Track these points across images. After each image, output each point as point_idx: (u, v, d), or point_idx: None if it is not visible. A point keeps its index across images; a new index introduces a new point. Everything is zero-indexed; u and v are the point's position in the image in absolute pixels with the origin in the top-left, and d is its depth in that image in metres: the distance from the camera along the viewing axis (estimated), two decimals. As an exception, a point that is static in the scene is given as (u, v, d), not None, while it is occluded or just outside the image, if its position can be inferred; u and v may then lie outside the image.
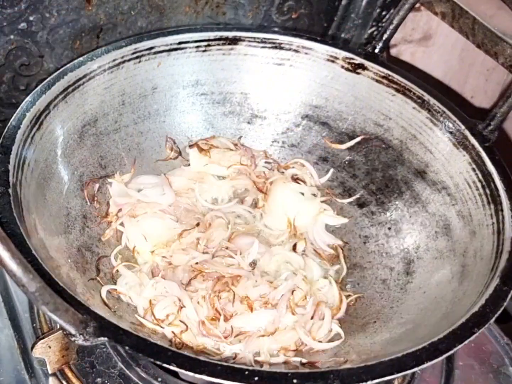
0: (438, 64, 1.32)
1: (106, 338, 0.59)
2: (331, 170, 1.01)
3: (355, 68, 0.98)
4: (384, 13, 1.19)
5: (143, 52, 0.94)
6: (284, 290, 0.82)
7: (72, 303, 0.61)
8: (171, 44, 0.96)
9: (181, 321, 0.78)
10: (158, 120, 0.99)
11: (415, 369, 0.62)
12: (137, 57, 0.94)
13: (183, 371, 0.58)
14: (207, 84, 1.01)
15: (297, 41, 0.99)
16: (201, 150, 1.00)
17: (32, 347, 0.78)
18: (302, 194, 0.98)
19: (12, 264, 0.51)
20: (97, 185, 0.91)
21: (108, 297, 0.79)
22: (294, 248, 0.93)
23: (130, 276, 0.84)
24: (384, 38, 0.99)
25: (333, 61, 0.99)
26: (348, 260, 0.93)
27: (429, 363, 0.62)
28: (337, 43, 1.07)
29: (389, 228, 0.93)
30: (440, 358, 0.63)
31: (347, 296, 0.87)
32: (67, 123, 0.87)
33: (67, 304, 0.57)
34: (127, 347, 0.59)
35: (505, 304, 0.68)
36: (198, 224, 0.91)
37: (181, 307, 0.79)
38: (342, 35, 1.23)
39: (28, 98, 0.81)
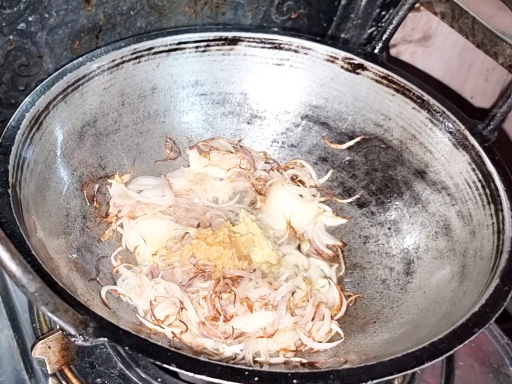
0: (438, 64, 1.32)
1: (105, 339, 0.59)
2: (331, 170, 1.02)
3: (355, 68, 0.98)
4: (383, 13, 1.19)
5: (143, 53, 0.94)
6: (284, 291, 0.82)
7: (72, 303, 0.61)
8: (170, 45, 0.96)
9: (181, 321, 0.78)
10: (157, 120, 0.99)
11: (415, 369, 0.62)
12: (136, 58, 0.94)
13: (183, 371, 0.58)
14: (207, 84, 1.02)
15: (296, 41, 1.00)
16: (201, 151, 1.00)
17: (32, 348, 0.78)
18: (301, 195, 0.98)
19: (11, 265, 0.51)
20: (96, 186, 0.91)
21: (108, 298, 0.79)
22: (298, 248, 0.93)
23: (130, 276, 0.85)
24: (383, 38, 0.99)
25: (332, 61, 0.99)
26: (348, 260, 0.93)
27: (429, 363, 0.62)
28: (337, 43, 1.07)
29: (389, 228, 0.93)
30: (440, 358, 0.63)
31: (347, 296, 0.87)
32: (66, 123, 0.87)
33: (66, 305, 0.57)
34: (127, 348, 0.59)
35: (505, 304, 0.68)
36: (198, 225, 0.92)
37: (182, 308, 0.79)
38: (342, 35, 1.23)
39: (27, 99, 0.81)
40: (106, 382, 0.80)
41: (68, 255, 0.79)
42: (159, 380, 0.79)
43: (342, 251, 0.94)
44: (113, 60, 0.91)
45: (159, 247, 0.89)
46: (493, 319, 0.66)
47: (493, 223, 0.79)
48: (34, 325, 0.87)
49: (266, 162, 1.03)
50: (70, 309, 0.57)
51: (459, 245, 0.83)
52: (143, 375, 0.80)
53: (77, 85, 0.88)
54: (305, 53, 1.00)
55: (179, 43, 0.97)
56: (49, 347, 0.78)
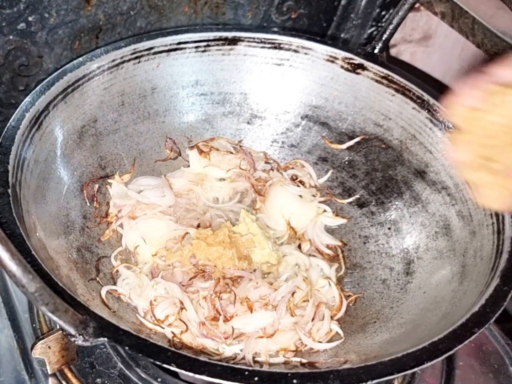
0: (438, 64, 1.32)
1: (105, 339, 0.59)
2: (331, 170, 1.02)
3: (355, 68, 0.98)
4: (383, 13, 1.19)
5: (143, 53, 0.94)
6: (285, 291, 0.82)
7: (72, 303, 0.61)
8: (170, 45, 0.96)
9: (181, 321, 0.78)
10: (157, 120, 0.99)
11: (415, 369, 0.62)
12: (136, 58, 0.94)
13: (183, 371, 0.58)
14: (207, 84, 1.02)
15: (296, 41, 1.00)
16: (201, 152, 1.00)
17: (32, 348, 0.78)
18: (301, 196, 0.98)
19: (11, 265, 0.51)
20: (96, 186, 0.91)
21: (108, 298, 0.79)
22: (298, 248, 0.93)
23: (130, 276, 0.85)
24: (383, 38, 0.99)
25: (332, 61, 0.99)
26: (348, 260, 0.93)
27: (429, 363, 0.62)
28: (337, 43, 1.08)
29: (389, 228, 0.93)
30: (440, 358, 0.63)
31: (347, 296, 0.87)
32: (66, 123, 0.87)
33: (66, 305, 0.57)
34: (127, 348, 0.59)
35: (505, 304, 0.68)
36: (198, 225, 0.92)
37: (182, 308, 0.79)
38: (342, 35, 1.23)
39: (27, 99, 0.81)
40: (106, 382, 0.80)
41: (68, 255, 0.79)
42: (159, 380, 0.79)
43: (342, 251, 0.94)
44: (113, 60, 0.91)
45: (159, 247, 0.89)
46: (493, 319, 0.66)
47: (493, 223, 0.79)
48: (34, 325, 0.87)
49: (266, 162, 1.03)
50: (70, 309, 0.57)
51: (459, 245, 0.83)
52: (143, 375, 0.80)
53: (77, 85, 0.88)
54: (305, 53, 1.00)
55: (179, 43, 0.97)
56: (49, 347, 0.78)
